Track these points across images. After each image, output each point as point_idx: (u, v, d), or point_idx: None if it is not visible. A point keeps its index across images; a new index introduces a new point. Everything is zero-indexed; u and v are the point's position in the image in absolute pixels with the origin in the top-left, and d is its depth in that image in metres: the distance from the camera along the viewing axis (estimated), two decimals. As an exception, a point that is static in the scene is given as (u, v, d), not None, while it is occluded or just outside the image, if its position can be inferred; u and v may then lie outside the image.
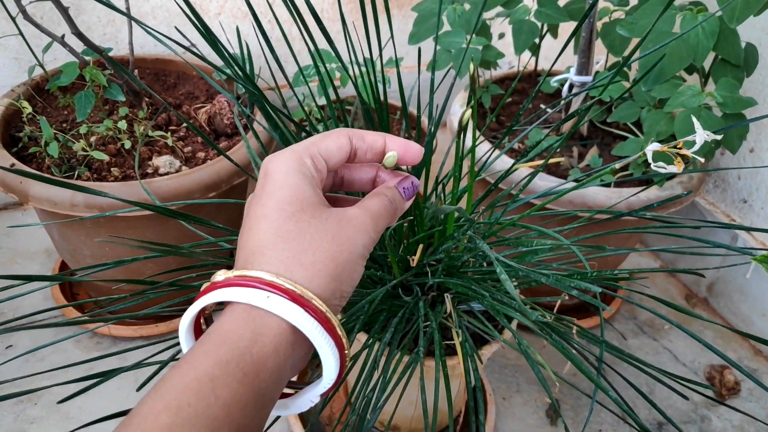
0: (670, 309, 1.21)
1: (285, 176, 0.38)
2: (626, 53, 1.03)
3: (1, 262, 1.16)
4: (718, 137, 0.58)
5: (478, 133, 1.02)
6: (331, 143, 0.41)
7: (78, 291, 1.13)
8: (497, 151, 0.99)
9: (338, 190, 0.46)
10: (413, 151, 0.44)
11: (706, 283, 1.23)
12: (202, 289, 0.36)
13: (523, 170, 0.96)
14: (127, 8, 0.92)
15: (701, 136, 0.59)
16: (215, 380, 0.32)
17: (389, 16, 0.64)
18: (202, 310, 0.37)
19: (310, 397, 0.39)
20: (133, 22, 1.01)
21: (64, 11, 0.84)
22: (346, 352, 0.37)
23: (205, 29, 0.63)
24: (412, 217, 0.73)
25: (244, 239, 0.38)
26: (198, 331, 0.38)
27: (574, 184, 0.88)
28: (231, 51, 1.27)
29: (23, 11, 0.91)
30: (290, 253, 0.36)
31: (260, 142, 0.78)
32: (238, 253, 0.38)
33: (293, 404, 0.39)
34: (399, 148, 0.43)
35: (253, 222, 0.37)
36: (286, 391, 0.40)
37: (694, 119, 0.60)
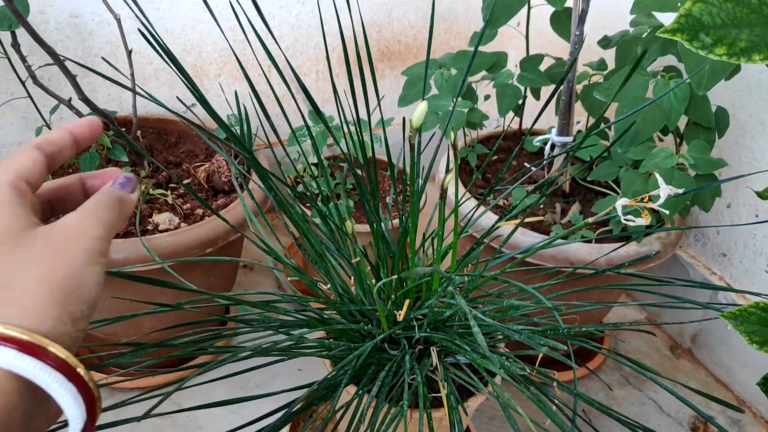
0: (655, 360, 1.24)
1: None
2: (605, 115, 1.09)
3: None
4: (680, 190, 0.63)
5: (464, 191, 1.07)
6: (25, 160, 0.38)
7: (76, 343, 1.15)
8: (482, 208, 1.03)
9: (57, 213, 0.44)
10: (85, 124, 0.42)
11: (689, 334, 1.26)
12: None
13: (508, 227, 1.00)
14: (132, 75, 0.98)
15: (665, 190, 0.64)
16: None
17: (375, 79, 0.69)
18: None
19: None
20: (136, 85, 1.07)
21: (71, 78, 0.89)
22: (91, 385, 0.34)
23: (201, 97, 0.68)
24: (396, 276, 0.76)
25: None
26: None
27: (546, 239, 0.92)
28: (229, 112, 1.33)
29: (33, 76, 0.96)
30: None
31: (255, 201, 0.82)
32: None
33: None
34: (76, 128, 0.42)
35: None
36: None
37: (657, 175, 0.65)
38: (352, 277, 0.80)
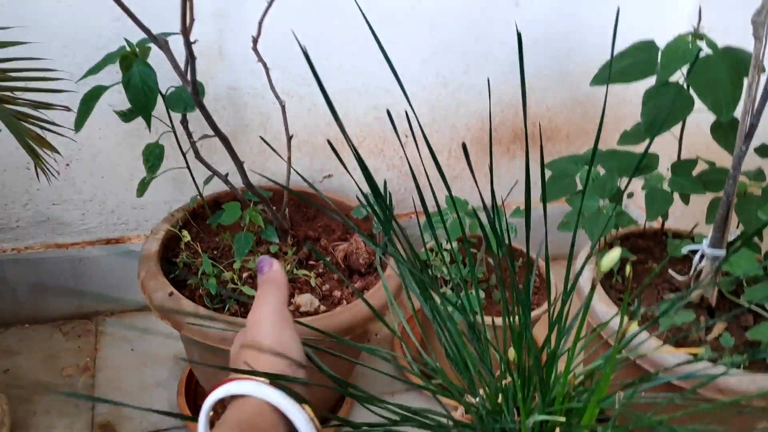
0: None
1: None
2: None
3: (134, 365, 1.24)
4: None
5: (603, 294, 1.03)
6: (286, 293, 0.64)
7: (201, 403, 1.18)
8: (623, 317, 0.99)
9: None
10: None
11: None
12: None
13: (651, 343, 0.96)
14: (288, 159, 1.01)
15: None
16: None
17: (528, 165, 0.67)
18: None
19: None
20: (277, 154, 1.10)
21: (239, 165, 0.93)
22: (315, 420, 0.52)
23: (374, 187, 0.69)
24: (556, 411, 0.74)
25: None
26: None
27: (713, 367, 0.87)
28: (363, 184, 1.35)
29: (196, 151, 1.01)
30: None
31: (402, 278, 0.82)
32: None
33: None
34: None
35: None
36: None
37: None
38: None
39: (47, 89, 0.83)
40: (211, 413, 0.56)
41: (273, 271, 0.64)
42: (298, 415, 0.51)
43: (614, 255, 0.56)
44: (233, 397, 0.53)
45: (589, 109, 1.46)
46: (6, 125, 0.75)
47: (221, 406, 0.55)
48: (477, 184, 0.73)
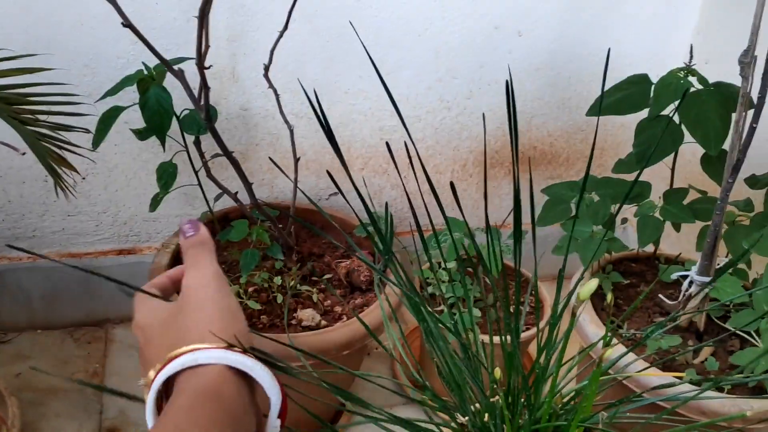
0: None
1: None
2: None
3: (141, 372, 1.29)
4: None
5: (594, 316, 1.07)
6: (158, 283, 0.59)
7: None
8: (613, 340, 1.03)
9: None
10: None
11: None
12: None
13: (638, 365, 0.99)
14: (295, 180, 1.06)
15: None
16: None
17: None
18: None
19: (272, 422, 0.51)
20: (286, 175, 1.15)
21: (248, 186, 0.98)
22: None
23: (372, 217, 0.73)
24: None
25: None
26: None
27: (692, 388, 0.91)
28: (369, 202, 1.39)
29: (208, 170, 1.06)
30: None
31: (391, 307, 0.87)
32: None
33: None
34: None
35: None
36: None
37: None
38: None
39: (68, 113, 0.88)
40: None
41: (201, 234, 0.59)
42: (265, 375, 0.50)
43: (592, 286, 0.60)
44: (179, 372, 0.49)
45: (589, 134, 1.50)
46: (30, 147, 0.80)
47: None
48: (463, 214, 0.77)
